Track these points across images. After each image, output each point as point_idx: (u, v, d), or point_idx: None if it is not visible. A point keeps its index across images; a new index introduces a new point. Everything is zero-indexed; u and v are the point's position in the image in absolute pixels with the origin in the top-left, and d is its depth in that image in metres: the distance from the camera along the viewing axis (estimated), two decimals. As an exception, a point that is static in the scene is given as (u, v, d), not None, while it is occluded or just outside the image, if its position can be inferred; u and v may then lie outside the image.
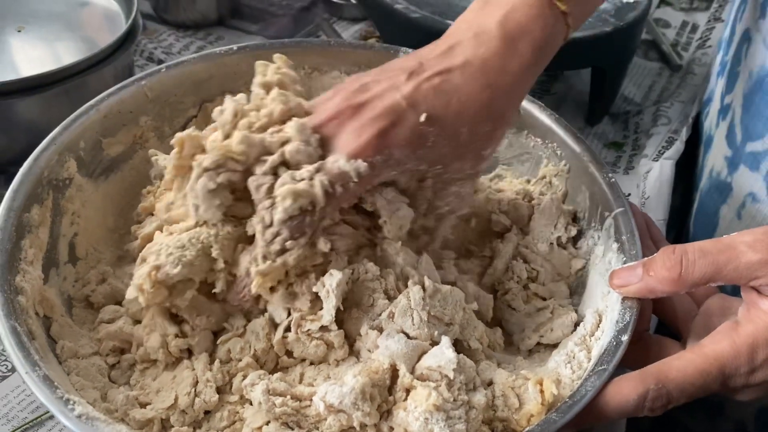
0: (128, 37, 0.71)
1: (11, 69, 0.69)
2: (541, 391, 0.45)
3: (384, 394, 0.44)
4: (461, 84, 0.47)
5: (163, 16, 0.90)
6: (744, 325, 0.45)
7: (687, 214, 0.76)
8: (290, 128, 0.46)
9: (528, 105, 0.61)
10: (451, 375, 0.44)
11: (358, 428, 0.43)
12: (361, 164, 0.45)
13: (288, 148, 0.46)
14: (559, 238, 0.57)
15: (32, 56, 0.71)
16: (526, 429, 0.43)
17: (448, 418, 0.43)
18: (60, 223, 0.53)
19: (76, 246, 0.54)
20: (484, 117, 0.48)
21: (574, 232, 0.57)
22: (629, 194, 0.73)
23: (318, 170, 0.45)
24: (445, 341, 0.46)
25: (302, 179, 0.45)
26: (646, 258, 0.49)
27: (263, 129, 0.47)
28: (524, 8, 0.49)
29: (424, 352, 0.46)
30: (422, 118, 0.46)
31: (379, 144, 0.45)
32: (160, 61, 0.84)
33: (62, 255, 0.53)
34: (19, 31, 0.73)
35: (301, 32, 0.91)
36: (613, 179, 0.56)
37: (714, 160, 0.69)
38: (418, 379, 0.44)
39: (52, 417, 0.53)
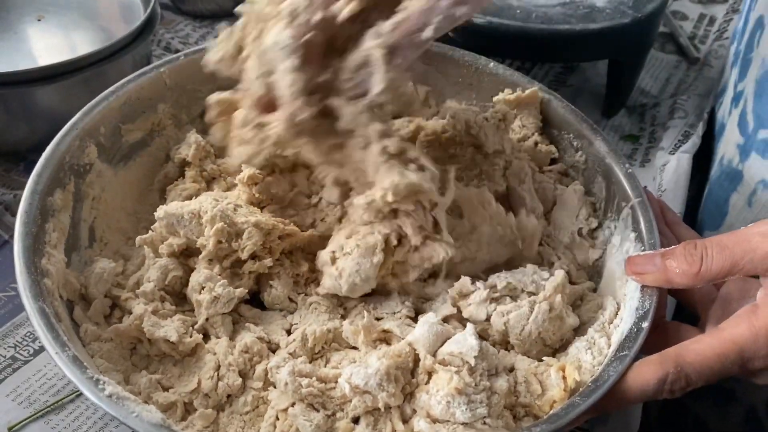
0: (147, 27, 0.72)
1: (31, 58, 0.69)
2: (564, 378, 0.46)
3: (407, 376, 0.45)
4: None
5: (180, 6, 0.90)
6: (763, 308, 0.45)
7: (698, 206, 0.75)
8: None
9: (543, 96, 0.61)
10: (472, 362, 0.44)
11: (382, 409, 0.44)
12: None
13: None
14: (580, 229, 0.57)
15: (51, 45, 0.71)
16: (550, 412, 0.44)
17: (469, 401, 0.43)
18: (81, 208, 0.54)
19: (96, 230, 0.55)
20: None
21: (594, 223, 0.58)
22: (645, 187, 0.73)
23: None
24: (470, 328, 0.46)
25: None
26: (664, 248, 0.49)
27: None
28: None
29: (449, 338, 0.46)
30: None
31: None
32: (177, 51, 0.84)
33: (83, 239, 0.54)
34: (39, 20, 0.73)
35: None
36: (630, 169, 0.56)
37: (725, 148, 0.69)
38: (440, 363, 0.45)
39: (72, 401, 0.53)
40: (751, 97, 0.64)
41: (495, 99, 0.62)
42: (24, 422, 0.52)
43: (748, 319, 0.45)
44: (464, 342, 0.45)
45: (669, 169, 0.74)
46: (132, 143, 0.59)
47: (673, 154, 0.76)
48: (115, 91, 0.57)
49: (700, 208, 0.73)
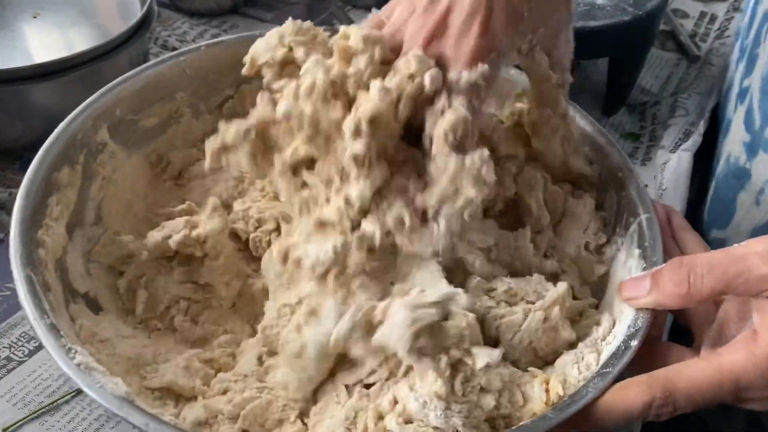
0: (143, 24, 0.71)
1: (26, 55, 0.69)
2: (547, 390, 0.44)
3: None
4: None
5: (178, 4, 0.90)
6: (763, 334, 0.43)
7: (701, 204, 0.75)
8: (412, 64, 0.45)
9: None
10: (480, 364, 0.43)
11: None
12: (483, 67, 0.44)
13: (427, 82, 0.44)
14: (587, 243, 0.56)
15: (47, 42, 0.71)
16: (519, 424, 0.42)
17: (446, 408, 0.42)
18: (89, 186, 0.54)
19: (103, 209, 0.55)
20: None
21: (603, 239, 0.56)
22: (646, 185, 0.73)
23: (449, 94, 0.44)
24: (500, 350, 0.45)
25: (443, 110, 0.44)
26: (654, 269, 0.48)
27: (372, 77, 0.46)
28: None
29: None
30: None
31: (487, 40, 0.45)
32: (174, 49, 0.83)
33: (89, 217, 0.54)
34: (34, 17, 0.73)
35: (315, 20, 0.89)
36: (643, 184, 0.55)
37: (732, 146, 0.68)
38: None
39: (67, 402, 0.53)
40: (757, 93, 0.64)
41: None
42: (19, 423, 0.52)
43: (746, 346, 0.43)
44: (488, 350, 0.44)
45: (669, 168, 0.73)
46: (148, 128, 0.59)
47: (674, 152, 0.75)
48: (134, 75, 0.57)
49: (706, 208, 0.72)
